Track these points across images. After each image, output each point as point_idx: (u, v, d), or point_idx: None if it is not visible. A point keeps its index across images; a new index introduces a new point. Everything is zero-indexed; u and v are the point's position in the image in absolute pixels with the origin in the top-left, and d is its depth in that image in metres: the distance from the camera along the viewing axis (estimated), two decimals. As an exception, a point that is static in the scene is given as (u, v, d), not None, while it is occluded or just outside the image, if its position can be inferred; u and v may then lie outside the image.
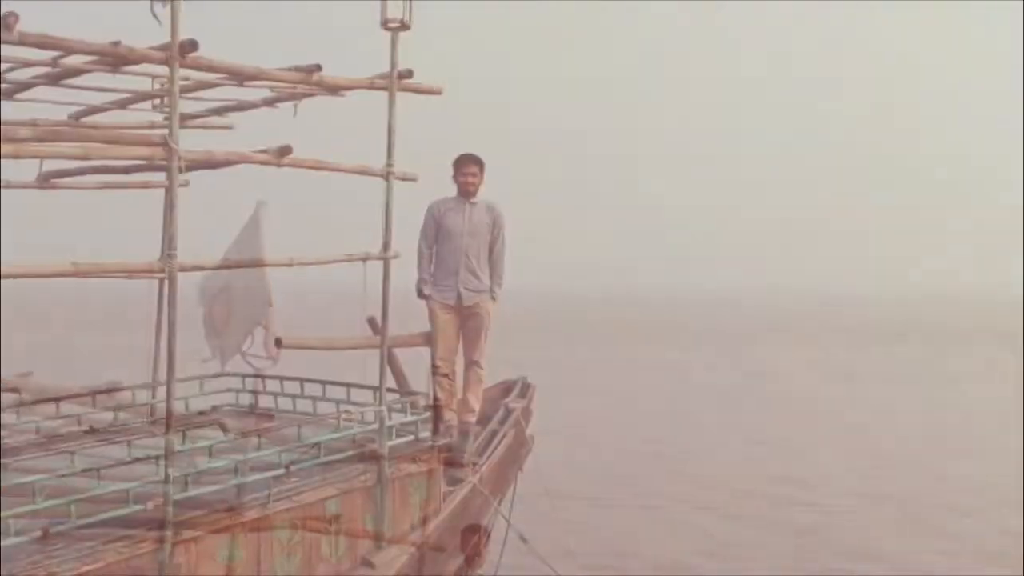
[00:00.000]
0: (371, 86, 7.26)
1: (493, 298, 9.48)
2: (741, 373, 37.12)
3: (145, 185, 8.29)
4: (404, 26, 7.08)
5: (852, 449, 21.46)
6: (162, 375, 7.20)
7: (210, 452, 6.44)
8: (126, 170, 7.74)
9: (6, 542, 5.20)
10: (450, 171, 9.48)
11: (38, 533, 5.33)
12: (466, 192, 9.34)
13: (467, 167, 9.34)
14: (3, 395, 8.21)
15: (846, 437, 22.97)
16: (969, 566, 13.23)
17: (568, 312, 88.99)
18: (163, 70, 6.18)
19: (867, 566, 13.09)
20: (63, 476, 5.72)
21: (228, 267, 6.40)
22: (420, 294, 9.45)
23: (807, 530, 14.65)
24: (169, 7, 5.53)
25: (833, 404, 28.79)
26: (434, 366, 9.31)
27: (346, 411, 7.90)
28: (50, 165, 7.50)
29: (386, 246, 7.28)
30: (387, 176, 7.23)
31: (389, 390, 7.88)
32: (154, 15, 5.66)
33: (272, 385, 9.28)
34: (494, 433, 9.55)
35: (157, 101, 7.85)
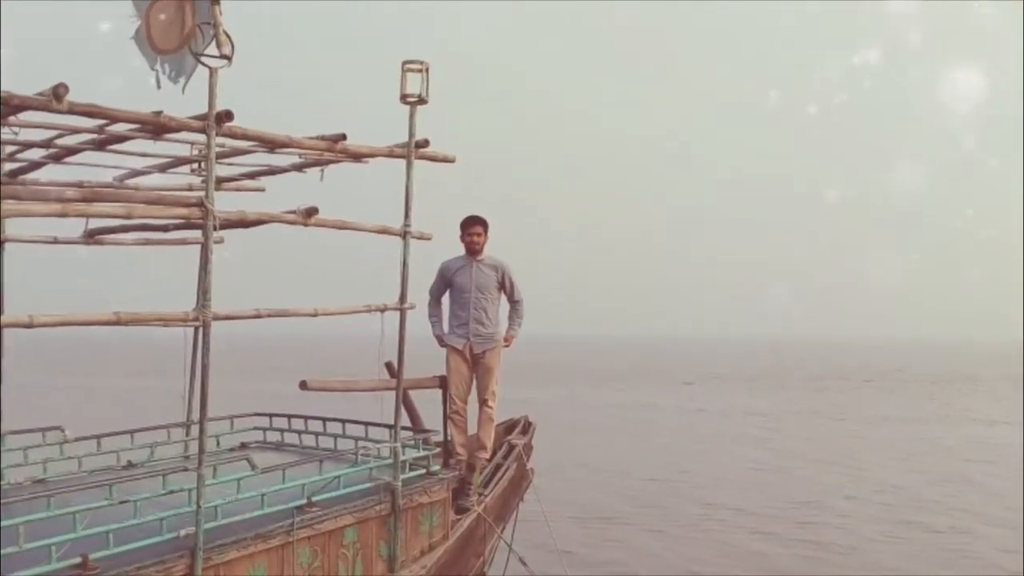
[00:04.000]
0: (390, 154, 7.27)
1: (506, 341, 9.53)
2: (741, 413, 37.09)
3: (182, 242, 8.30)
4: (422, 100, 7.11)
5: (853, 478, 21.42)
6: (195, 415, 7.20)
7: (238, 485, 6.42)
8: (165, 228, 7.74)
9: (47, 568, 5.17)
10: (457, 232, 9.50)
11: (78, 559, 5.29)
12: (472, 251, 9.36)
13: (472, 228, 9.37)
14: (48, 433, 8.22)
15: (842, 468, 22.90)
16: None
17: (583, 357, 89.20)
18: (201, 137, 6.19)
19: None
20: (102, 507, 5.70)
21: (260, 317, 6.36)
22: (441, 342, 9.51)
23: (835, 546, 14.80)
24: (208, 79, 5.56)
25: (825, 440, 28.73)
26: (447, 405, 9.35)
27: (364, 447, 7.88)
28: (95, 223, 7.51)
29: (402, 298, 7.27)
30: (404, 235, 7.23)
31: (404, 428, 7.87)
32: (157, 84, 5.71)
33: (297, 423, 9.31)
34: (498, 467, 9.55)
35: (195, 165, 7.83)
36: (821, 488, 20.13)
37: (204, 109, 5.63)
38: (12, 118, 5.45)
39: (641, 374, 65.33)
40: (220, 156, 7.05)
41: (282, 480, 6.77)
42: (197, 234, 6.61)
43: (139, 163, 7.65)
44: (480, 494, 8.95)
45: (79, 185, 6.98)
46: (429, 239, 7.53)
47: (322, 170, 7.66)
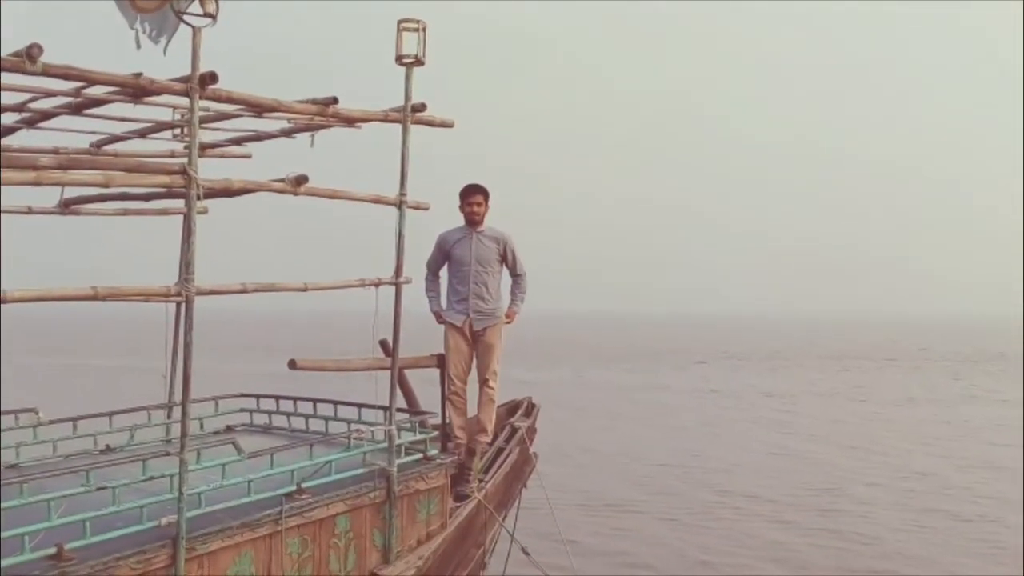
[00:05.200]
0: (385, 119, 7.24)
1: (508, 317, 9.51)
2: (758, 394, 37.07)
3: (164, 212, 8.27)
4: (419, 62, 7.07)
5: (875, 463, 21.44)
6: (178, 396, 7.18)
7: (223, 471, 6.41)
8: (146, 197, 7.70)
9: (20, 559, 5.16)
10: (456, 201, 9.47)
11: (53, 550, 5.28)
12: (472, 221, 9.34)
13: (472, 197, 9.33)
14: (22, 415, 8.20)
15: (864, 452, 22.92)
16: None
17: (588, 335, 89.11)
18: (183, 101, 6.14)
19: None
20: (78, 494, 5.68)
21: (246, 292, 6.35)
22: (439, 319, 9.51)
23: (856, 536, 14.79)
24: (191, 39, 5.53)
25: (846, 422, 28.73)
26: (445, 386, 9.34)
27: (357, 430, 7.86)
28: (72, 192, 7.48)
29: (398, 271, 7.25)
30: (400, 205, 7.21)
31: (399, 410, 7.86)
32: (137, 44, 5.66)
33: (286, 405, 9.30)
34: (499, 451, 9.55)
35: (177, 131, 7.81)
36: (842, 474, 20.16)
37: (187, 71, 5.61)
38: (-18, 80, 5.41)
39: (651, 353, 65.37)
40: (204, 120, 7.01)
41: (270, 465, 6.75)
42: (179, 203, 6.59)
43: (117, 128, 7.63)
44: (480, 480, 8.95)
45: (54, 151, 6.98)
46: (427, 209, 7.51)
47: (312, 136, 7.63)
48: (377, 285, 7.20)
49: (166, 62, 5.67)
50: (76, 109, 6.74)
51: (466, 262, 9.30)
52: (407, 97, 7.19)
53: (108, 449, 8.30)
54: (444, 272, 9.54)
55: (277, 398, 9.39)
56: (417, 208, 7.35)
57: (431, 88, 7.44)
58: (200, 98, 5.70)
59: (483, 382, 9.41)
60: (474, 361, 9.45)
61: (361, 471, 7.41)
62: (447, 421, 9.20)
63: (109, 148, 7.88)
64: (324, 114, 6.80)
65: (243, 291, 6.15)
